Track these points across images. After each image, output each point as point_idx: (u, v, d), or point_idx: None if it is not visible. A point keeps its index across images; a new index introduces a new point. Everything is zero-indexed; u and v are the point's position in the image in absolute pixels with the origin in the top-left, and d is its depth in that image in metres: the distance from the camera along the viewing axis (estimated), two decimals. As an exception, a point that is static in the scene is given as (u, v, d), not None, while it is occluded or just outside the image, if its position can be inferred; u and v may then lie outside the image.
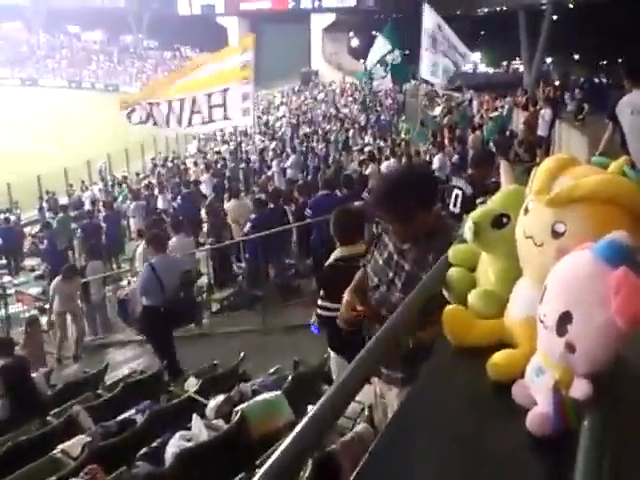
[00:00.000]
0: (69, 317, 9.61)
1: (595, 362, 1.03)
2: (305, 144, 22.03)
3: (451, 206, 5.64)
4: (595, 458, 0.91)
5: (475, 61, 60.74)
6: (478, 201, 4.82)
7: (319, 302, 3.97)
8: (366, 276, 2.77)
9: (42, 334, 9.43)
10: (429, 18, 11.67)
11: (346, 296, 2.75)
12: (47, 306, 10.95)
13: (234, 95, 9.62)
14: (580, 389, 1.03)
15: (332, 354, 4.22)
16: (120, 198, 19.07)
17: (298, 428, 1.11)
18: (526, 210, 1.34)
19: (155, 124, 9.86)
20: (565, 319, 1.05)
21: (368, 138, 22.99)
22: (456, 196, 5.60)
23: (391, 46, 12.17)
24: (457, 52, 11.61)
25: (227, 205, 11.79)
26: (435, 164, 11.70)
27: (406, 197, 2.44)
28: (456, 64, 11.81)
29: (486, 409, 1.28)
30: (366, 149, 17.90)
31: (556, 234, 1.24)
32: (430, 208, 2.54)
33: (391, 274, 2.63)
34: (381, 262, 2.69)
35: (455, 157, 12.34)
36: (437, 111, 24.96)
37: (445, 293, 1.69)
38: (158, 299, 6.51)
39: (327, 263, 4.00)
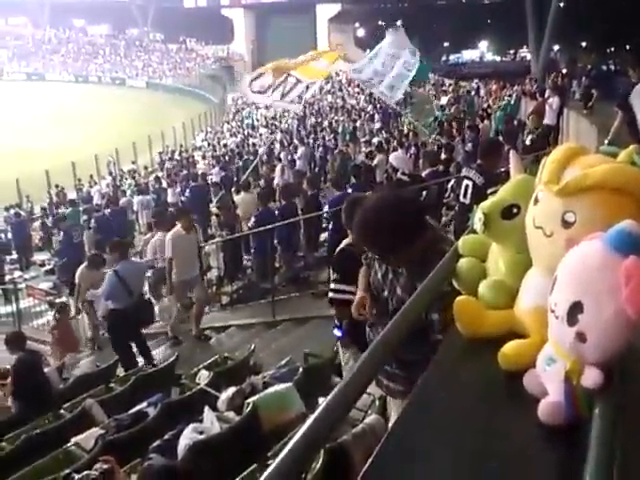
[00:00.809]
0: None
1: (606, 351, 1.03)
2: (313, 135, 21.99)
3: (461, 197, 5.62)
4: (607, 446, 0.91)
5: (482, 50, 60.47)
6: (489, 191, 4.80)
7: (332, 285, 3.96)
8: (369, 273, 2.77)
9: (71, 321, 9.34)
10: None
11: (357, 295, 2.76)
12: (57, 300, 11.05)
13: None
14: (591, 378, 1.03)
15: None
16: (128, 192, 19.13)
17: (310, 420, 1.12)
18: (536, 200, 1.34)
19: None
20: (576, 309, 1.05)
21: (375, 128, 22.92)
22: (466, 187, 5.58)
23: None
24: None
25: (237, 198, 11.82)
26: (393, 161, 11.31)
27: (384, 237, 2.32)
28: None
29: (497, 399, 1.29)
30: (374, 140, 17.85)
31: (566, 224, 1.24)
32: (413, 242, 2.36)
33: (386, 292, 2.61)
34: (380, 276, 2.66)
35: (468, 145, 12.26)
36: (444, 101, 24.85)
37: (455, 284, 1.69)
38: (125, 302, 6.98)
39: (338, 248, 4.02)
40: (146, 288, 8.18)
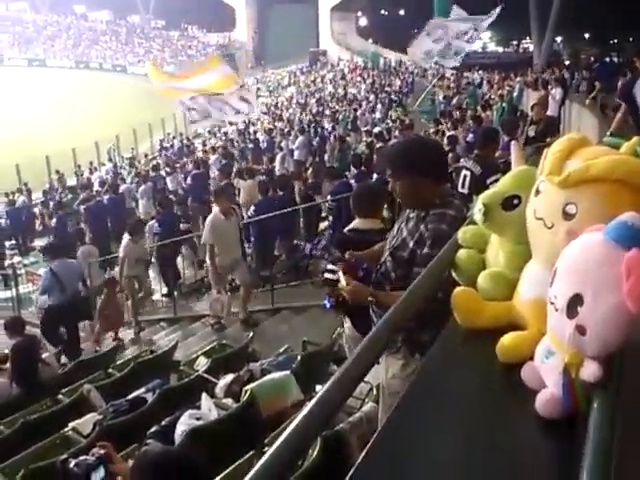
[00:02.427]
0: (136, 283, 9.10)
1: (605, 345, 1.02)
2: (314, 124, 21.91)
3: (459, 187, 5.61)
4: (604, 440, 0.91)
5: (485, 40, 60.17)
6: (489, 180, 4.80)
7: (328, 266, 4.01)
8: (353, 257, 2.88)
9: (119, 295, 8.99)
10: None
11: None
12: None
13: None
14: (590, 371, 1.03)
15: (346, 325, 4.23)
16: (128, 179, 19.07)
17: (308, 408, 1.11)
18: (537, 191, 1.33)
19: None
20: (576, 301, 1.04)
21: (377, 118, 22.86)
22: (464, 177, 5.58)
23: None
24: (463, 40, 11.44)
25: (239, 184, 11.80)
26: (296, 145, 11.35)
27: (416, 156, 2.62)
28: (457, 51, 11.63)
29: (495, 391, 1.29)
30: (375, 129, 17.80)
31: (567, 215, 1.23)
32: (435, 180, 2.63)
33: (394, 240, 2.73)
34: (395, 230, 2.80)
35: (470, 136, 12.22)
36: (443, 93, 24.75)
37: (454, 275, 1.69)
38: (60, 298, 7.52)
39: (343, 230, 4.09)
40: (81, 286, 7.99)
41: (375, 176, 8.85)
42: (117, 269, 9.20)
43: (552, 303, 1.10)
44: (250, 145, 20.05)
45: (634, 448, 1.01)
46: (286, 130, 21.51)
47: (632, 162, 1.23)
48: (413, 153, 2.68)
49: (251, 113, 14.13)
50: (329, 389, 1.17)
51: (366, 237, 3.92)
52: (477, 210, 1.56)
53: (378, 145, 12.89)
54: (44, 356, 6.11)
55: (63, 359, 7.18)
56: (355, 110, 24.29)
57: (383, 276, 2.71)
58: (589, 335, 1.03)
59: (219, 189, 8.81)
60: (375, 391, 3.59)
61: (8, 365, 5.90)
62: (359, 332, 3.66)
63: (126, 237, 8.92)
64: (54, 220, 13.12)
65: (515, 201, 1.52)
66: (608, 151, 1.29)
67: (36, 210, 17.79)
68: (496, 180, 1.65)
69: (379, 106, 25.19)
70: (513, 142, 1.85)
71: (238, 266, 7.90)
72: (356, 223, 4.11)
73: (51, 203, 16.72)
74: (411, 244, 2.59)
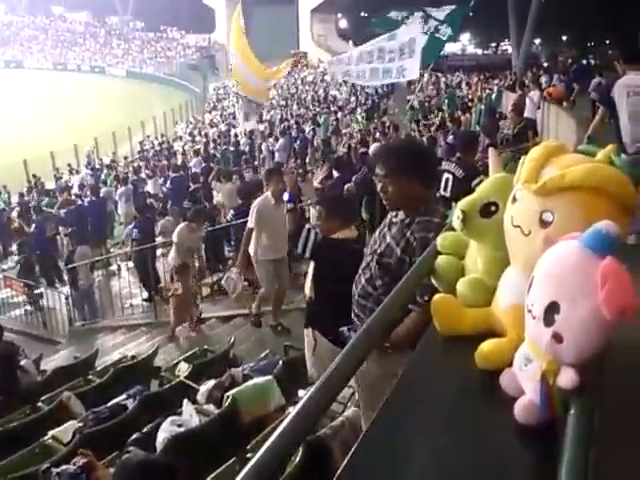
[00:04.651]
0: None
1: (582, 352, 1.03)
2: (295, 127, 21.91)
3: (441, 190, 5.64)
4: (581, 446, 0.92)
5: (464, 43, 60.56)
6: (474, 183, 4.83)
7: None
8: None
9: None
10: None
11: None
12: (38, 291, 10.94)
13: None
14: (567, 378, 1.04)
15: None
16: (108, 182, 18.91)
17: (291, 415, 1.11)
18: (514, 199, 1.34)
19: None
20: (552, 309, 1.05)
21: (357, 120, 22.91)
22: (446, 180, 5.61)
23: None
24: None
25: (218, 187, 11.76)
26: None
27: (407, 155, 2.69)
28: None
29: (474, 398, 1.29)
30: (355, 131, 17.86)
31: (544, 223, 1.24)
32: (423, 182, 2.66)
33: (377, 244, 2.74)
34: (376, 233, 2.81)
35: (450, 137, 12.29)
36: (420, 96, 24.84)
37: (433, 281, 1.70)
38: None
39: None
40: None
41: (354, 178, 8.85)
42: (171, 256, 8.44)
43: (529, 311, 1.11)
44: (231, 148, 19.99)
45: (611, 454, 1.02)
46: (266, 133, 21.48)
47: (607, 170, 1.24)
48: (411, 154, 2.72)
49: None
50: (312, 396, 1.17)
51: (342, 246, 3.95)
52: (455, 217, 1.57)
53: (359, 149, 12.93)
54: (22, 363, 6.04)
55: (42, 366, 7.07)
56: (336, 112, 24.34)
57: (368, 282, 2.71)
58: (566, 343, 1.04)
59: (274, 168, 8.22)
60: (357, 395, 3.59)
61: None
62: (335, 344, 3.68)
63: (182, 224, 8.40)
64: (33, 227, 12.92)
65: (493, 208, 1.53)
66: (584, 159, 1.31)
67: (14, 214, 17.55)
68: (480, 182, 1.68)
69: (359, 109, 25.26)
70: (490, 149, 1.86)
71: (283, 264, 7.01)
72: (335, 234, 4.09)
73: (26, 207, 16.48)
74: (398, 251, 2.59)
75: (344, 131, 20.23)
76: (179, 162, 18.03)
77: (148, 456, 3.26)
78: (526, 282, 1.15)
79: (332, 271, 3.92)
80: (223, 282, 7.63)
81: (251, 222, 6.60)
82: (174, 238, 8.27)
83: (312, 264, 4.19)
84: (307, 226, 4.19)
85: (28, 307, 11.01)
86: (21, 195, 18.83)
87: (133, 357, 6.23)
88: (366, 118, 22.97)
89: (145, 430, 3.91)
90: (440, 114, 18.08)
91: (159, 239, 10.21)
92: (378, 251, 2.68)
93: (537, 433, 1.11)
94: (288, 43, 50.88)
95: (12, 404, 5.23)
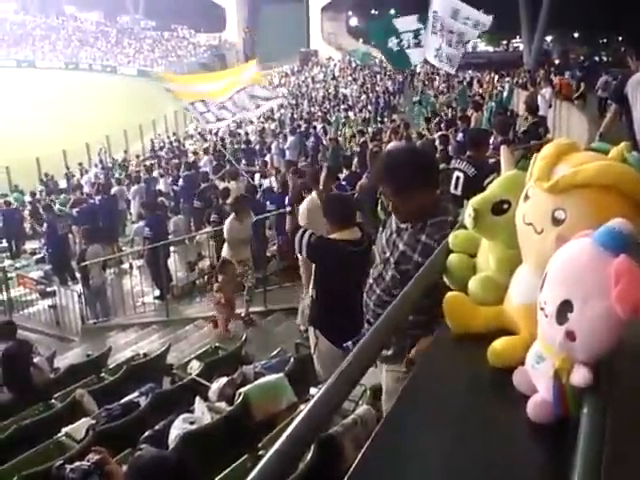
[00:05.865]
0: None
1: (595, 350, 1.03)
2: (306, 125, 21.91)
3: (452, 189, 5.61)
4: (595, 444, 0.92)
5: (475, 40, 60.25)
6: (487, 181, 4.80)
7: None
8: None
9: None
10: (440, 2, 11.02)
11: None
12: (50, 289, 10.98)
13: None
14: (580, 376, 1.03)
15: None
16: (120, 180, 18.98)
17: (302, 414, 1.12)
18: (526, 197, 1.34)
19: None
20: (565, 307, 1.05)
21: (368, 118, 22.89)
22: (457, 178, 5.57)
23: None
24: (461, 41, 10.97)
25: (228, 185, 11.76)
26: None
27: (407, 172, 2.57)
28: (458, 54, 11.12)
29: (487, 396, 1.29)
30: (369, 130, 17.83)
31: (556, 221, 1.24)
32: (430, 189, 2.64)
33: (388, 252, 2.70)
34: (384, 241, 2.78)
35: (459, 136, 12.22)
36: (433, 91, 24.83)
37: (445, 279, 1.69)
38: None
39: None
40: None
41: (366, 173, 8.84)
42: (224, 251, 8.21)
43: (542, 309, 1.11)
44: (242, 146, 20.01)
45: (624, 452, 1.02)
46: (277, 131, 21.49)
47: (620, 168, 1.24)
48: (411, 168, 2.60)
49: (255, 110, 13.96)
50: (325, 393, 1.17)
51: (339, 247, 3.95)
52: (467, 215, 1.56)
53: (373, 147, 12.90)
54: (36, 360, 6.07)
55: (55, 364, 7.12)
56: (346, 110, 24.30)
57: (384, 292, 2.69)
58: (579, 341, 1.04)
59: (319, 168, 7.90)
60: (369, 393, 3.59)
61: (-1, 369, 5.87)
62: (337, 347, 3.69)
63: (230, 218, 8.11)
64: (45, 225, 12.98)
65: (505, 206, 1.53)
66: (596, 157, 1.30)
67: (26, 213, 17.67)
68: (492, 180, 1.67)
69: (370, 106, 25.21)
70: (503, 146, 1.86)
71: None
72: (335, 237, 4.10)
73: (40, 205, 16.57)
74: (415, 256, 2.55)
75: (356, 130, 20.19)
76: (191, 160, 18.04)
77: (160, 453, 3.28)
78: (538, 280, 1.15)
79: (330, 271, 3.97)
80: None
81: (303, 222, 6.11)
82: (225, 235, 8.10)
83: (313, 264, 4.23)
84: (302, 226, 4.21)
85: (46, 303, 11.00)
86: (33, 194, 18.94)
87: (145, 355, 6.25)
88: (374, 116, 22.91)
89: (157, 427, 3.93)
90: (450, 111, 18.00)
91: (171, 237, 10.24)
92: (392, 260, 2.64)
93: (550, 430, 1.11)
94: (298, 41, 50.87)
95: (26, 401, 5.27)
